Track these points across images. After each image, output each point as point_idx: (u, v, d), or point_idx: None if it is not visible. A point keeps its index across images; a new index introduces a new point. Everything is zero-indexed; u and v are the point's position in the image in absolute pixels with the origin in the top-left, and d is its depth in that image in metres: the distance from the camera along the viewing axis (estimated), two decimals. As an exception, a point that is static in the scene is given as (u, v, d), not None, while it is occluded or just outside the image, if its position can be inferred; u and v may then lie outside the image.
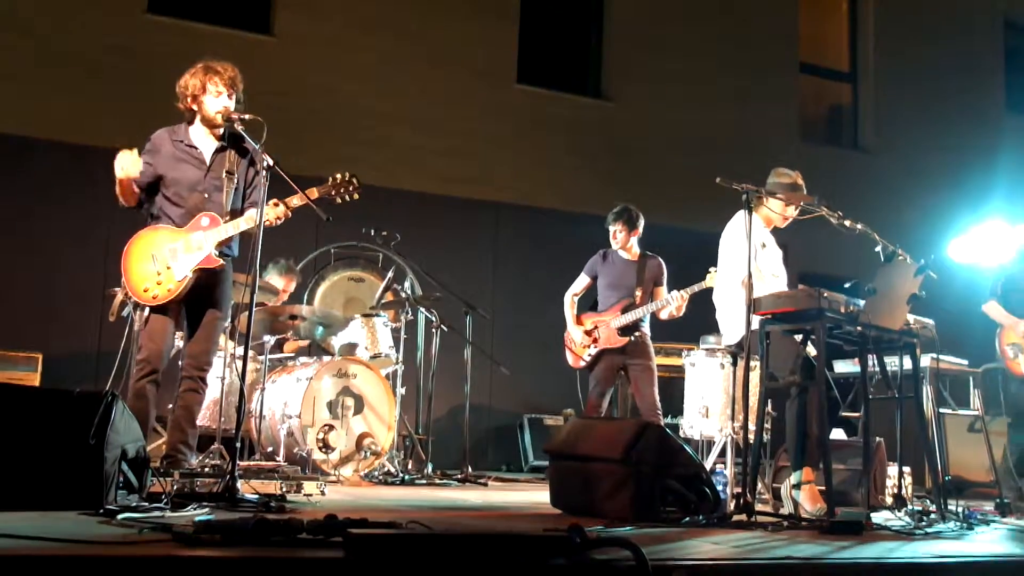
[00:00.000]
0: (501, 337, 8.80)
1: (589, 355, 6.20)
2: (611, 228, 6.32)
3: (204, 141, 4.58)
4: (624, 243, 6.29)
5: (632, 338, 6.09)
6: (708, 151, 10.32)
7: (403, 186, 9.29)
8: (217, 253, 4.46)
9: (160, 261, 4.39)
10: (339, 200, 4.48)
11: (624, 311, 6.12)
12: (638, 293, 6.15)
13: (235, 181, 4.57)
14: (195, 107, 4.54)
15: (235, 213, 4.54)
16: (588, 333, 6.22)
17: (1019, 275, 5.93)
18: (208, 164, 4.56)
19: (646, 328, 6.21)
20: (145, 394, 4.40)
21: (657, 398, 6.08)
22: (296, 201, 4.42)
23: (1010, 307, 5.83)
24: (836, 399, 4.78)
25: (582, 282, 6.46)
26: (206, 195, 4.53)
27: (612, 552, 2.55)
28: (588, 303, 6.48)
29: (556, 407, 8.79)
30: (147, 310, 4.43)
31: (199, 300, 4.52)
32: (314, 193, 4.42)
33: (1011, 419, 5.84)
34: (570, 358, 6.37)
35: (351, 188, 4.51)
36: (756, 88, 11.17)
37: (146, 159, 4.48)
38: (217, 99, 4.51)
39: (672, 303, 6.01)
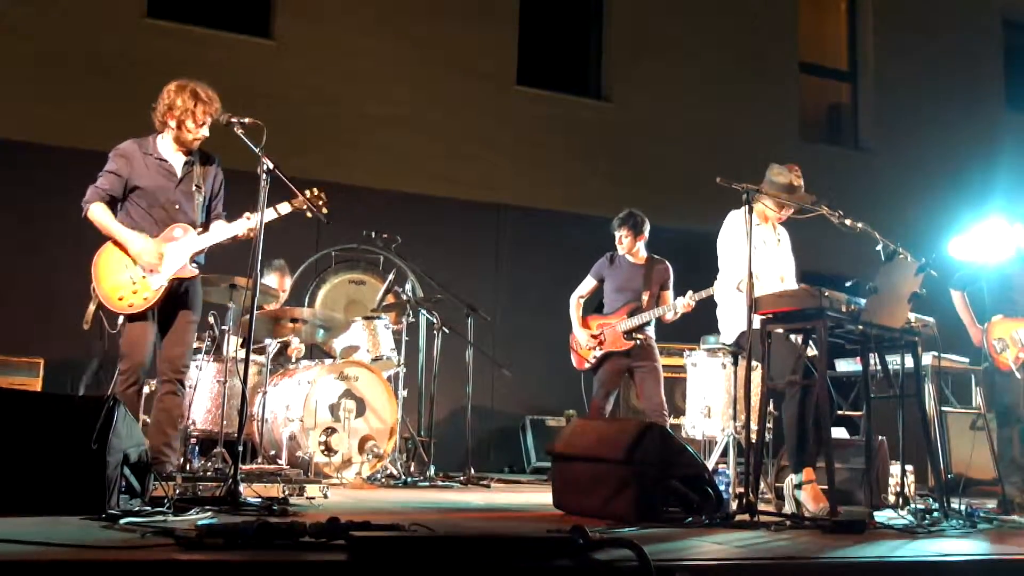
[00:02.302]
0: (503, 339, 8.80)
1: (594, 357, 6.19)
2: (616, 233, 6.30)
3: (173, 154, 4.71)
4: (630, 248, 6.27)
5: (637, 342, 6.08)
6: (708, 151, 10.33)
7: (403, 188, 9.30)
8: (192, 264, 4.59)
9: (136, 270, 4.50)
10: (308, 215, 4.56)
11: (630, 315, 6.10)
12: (645, 297, 6.13)
13: (203, 194, 4.72)
14: (173, 125, 4.64)
15: (202, 226, 4.70)
16: (594, 336, 6.21)
17: (1014, 274, 5.87)
18: (179, 176, 4.69)
19: (651, 331, 6.20)
20: (131, 402, 4.42)
21: (664, 399, 6.08)
22: (272, 213, 4.52)
23: (999, 304, 5.78)
24: (833, 399, 4.77)
25: (588, 284, 6.43)
26: (177, 206, 4.65)
27: (615, 553, 2.55)
28: (593, 305, 6.48)
29: (558, 408, 8.79)
30: (121, 319, 4.50)
31: (171, 305, 4.60)
32: (287, 207, 4.59)
33: (996, 414, 5.79)
34: (574, 360, 6.36)
35: (320, 204, 4.61)
36: (756, 88, 11.18)
37: (115, 167, 4.60)
38: (199, 128, 4.64)
39: (679, 309, 5.99)
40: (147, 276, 4.49)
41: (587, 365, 6.26)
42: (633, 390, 6.46)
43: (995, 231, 6.53)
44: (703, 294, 5.84)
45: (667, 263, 6.32)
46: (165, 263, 4.52)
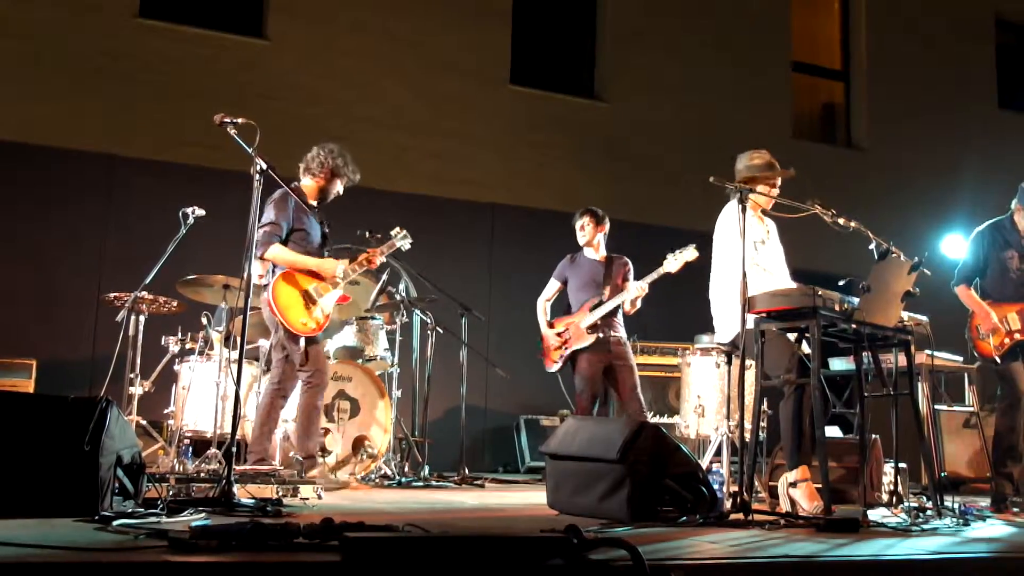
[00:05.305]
0: (497, 338, 8.80)
1: (561, 357, 6.23)
2: (578, 222, 6.37)
3: (310, 201, 5.50)
4: (591, 237, 6.31)
5: (599, 335, 6.08)
6: (702, 150, 10.32)
7: (397, 188, 9.29)
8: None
9: (312, 301, 5.25)
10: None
11: (592, 310, 6.15)
12: (605, 292, 6.17)
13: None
14: (324, 178, 5.49)
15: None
16: (559, 335, 6.26)
17: (987, 258, 5.74)
18: (318, 219, 5.53)
19: (622, 331, 6.21)
20: (316, 408, 5.32)
21: (642, 396, 6.12)
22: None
23: (994, 287, 5.66)
24: (827, 398, 4.76)
25: (552, 287, 6.48)
26: (316, 244, 5.46)
27: (609, 552, 2.55)
28: (564, 308, 6.50)
29: (552, 408, 8.78)
30: (302, 341, 5.23)
31: None
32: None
33: (1009, 400, 5.63)
34: (545, 362, 6.40)
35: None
36: (749, 87, 11.20)
37: (285, 215, 5.28)
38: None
39: (633, 294, 6.02)
40: (320, 304, 5.26)
41: (556, 366, 6.30)
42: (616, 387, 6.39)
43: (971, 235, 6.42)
44: (654, 276, 5.96)
45: (627, 259, 6.34)
46: (328, 293, 5.32)
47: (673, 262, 6.00)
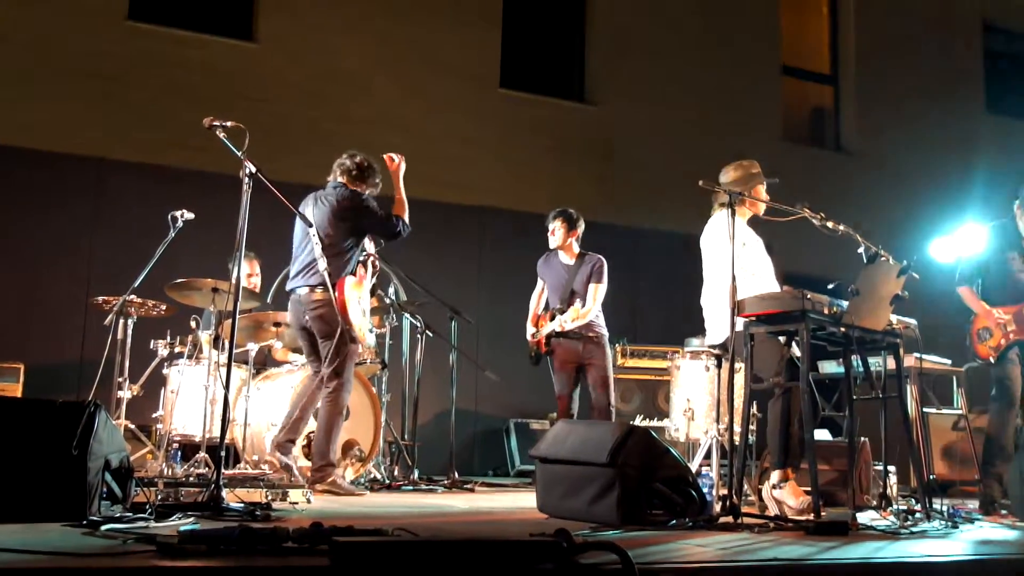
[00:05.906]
0: (486, 342, 8.79)
1: (535, 353, 6.35)
2: (550, 225, 6.40)
3: None
4: (562, 242, 6.34)
5: (548, 349, 6.23)
6: (692, 154, 10.33)
7: (386, 191, 9.26)
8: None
9: (365, 309, 5.53)
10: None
11: (552, 318, 6.22)
12: (559, 307, 6.23)
13: None
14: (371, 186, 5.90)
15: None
16: (533, 335, 6.34)
17: (989, 260, 5.76)
18: None
19: (603, 329, 6.26)
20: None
21: (612, 399, 6.17)
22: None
23: (995, 291, 5.67)
24: (817, 401, 4.77)
25: (539, 283, 6.63)
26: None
27: (599, 556, 2.55)
28: None
29: (542, 411, 8.78)
30: (359, 347, 5.56)
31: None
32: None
33: (1002, 402, 5.61)
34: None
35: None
36: (739, 91, 11.22)
37: None
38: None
39: (554, 326, 6.14)
40: (366, 313, 5.56)
41: (532, 361, 6.43)
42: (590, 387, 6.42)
43: (973, 235, 6.46)
44: (555, 326, 6.11)
45: (599, 257, 6.34)
46: (368, 304, 5.63)
47: (557, 324, 6.12)
